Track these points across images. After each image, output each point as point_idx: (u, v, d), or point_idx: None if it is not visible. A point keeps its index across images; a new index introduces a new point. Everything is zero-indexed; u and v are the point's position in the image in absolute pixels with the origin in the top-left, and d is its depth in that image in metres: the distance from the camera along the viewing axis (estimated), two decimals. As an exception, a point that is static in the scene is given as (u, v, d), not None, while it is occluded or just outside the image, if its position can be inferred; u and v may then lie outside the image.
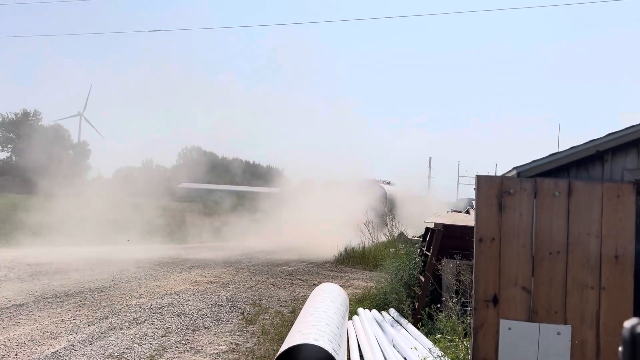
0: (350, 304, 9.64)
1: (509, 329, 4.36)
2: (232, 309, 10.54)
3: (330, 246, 24.23)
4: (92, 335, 8.04)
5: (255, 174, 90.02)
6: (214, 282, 13.89)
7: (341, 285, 12.86)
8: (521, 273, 4.41)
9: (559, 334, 4.29)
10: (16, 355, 6.92)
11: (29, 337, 7.75)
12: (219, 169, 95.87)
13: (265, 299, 11.82)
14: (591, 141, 4.66)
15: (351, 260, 20.31)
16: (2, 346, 7.25)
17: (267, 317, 9.87)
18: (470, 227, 8.62)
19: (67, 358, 6.89)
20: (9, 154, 69.57)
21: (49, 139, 66.38)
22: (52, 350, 7.16)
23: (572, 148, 4.68)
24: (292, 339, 5.51)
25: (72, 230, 25.70)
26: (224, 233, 34.74)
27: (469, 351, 5.14)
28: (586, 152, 4.66)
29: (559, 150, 4.87)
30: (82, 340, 7.70)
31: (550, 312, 4.34)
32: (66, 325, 8.58)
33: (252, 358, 7.24)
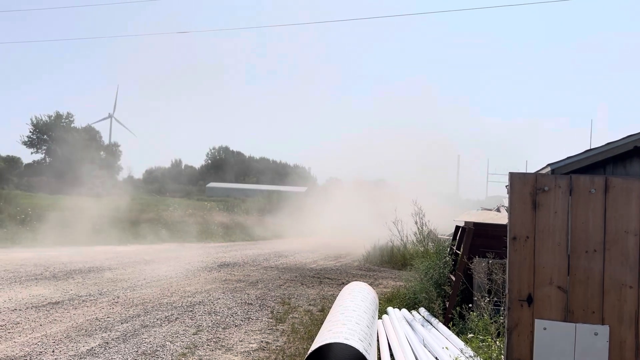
0: (379, 303, 9.60)
1: (544, 329, 4.28)
2: (261, 307, 10.60)
3: (358, 245, 24.18)
4: (125, 332, 8.18)
5: (282, 173, 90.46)
6: (243, 281, 14.00)
7: (370, 284, 12.81)
8: (556, 272, 4.32)
9: (596, 334, 4.19)
10: (53, 352, 7.08)
11: (65, 335, 7.92)
12: (246, 168, 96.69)
13: (294, 297, 11.86)
14: (628, 136, 4.54)
15: (379, 259, 20.24)
16: (39, 343, 7.43)
17: (297, 316, 9.89)
18: (502, 226, 8.51)
19: (101, 355, 7.02)
20: (42, 155, 71.30)
21: (81, 140, 67.92)
22: (87, 348, 7.30)
23: (608, 144, 4.56)
24: (322, 338, 5.50)
25: (104, 229, 26.21)
26: (251, 232, 34.99)
27: (503, 351, 5.06)
28: (623, 147, 4.54)
29: (594, 147, 4.76)
30: (116, 338, 7.84)
31: (587, 312, 4.24)
32: (100, 323, 8.75)
33: (282, 356, 7.27)
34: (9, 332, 7.92)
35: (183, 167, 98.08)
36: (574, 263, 4.29)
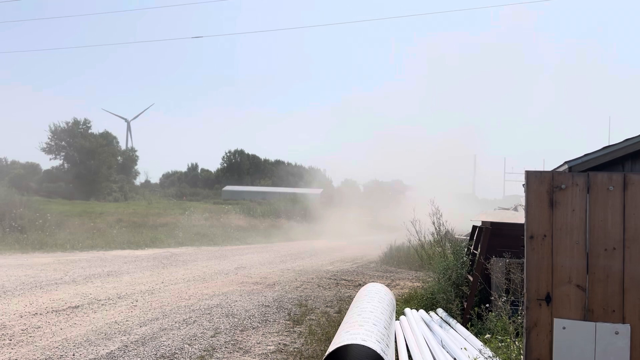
0: (396, 304, 9.56)
1: (564, 328, 4.23)
2: (278, 309, 10.62)
3: (374, 246, 24.14)
4: (144, 336, 8.24)
5: (298, 175, 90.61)
6: (260, 283, 14.04)
7: (387, 285, 12.77)
8: (575, 270, 4.26)
9: (617, 333, 4.13)
10: (73, 355, 7.16)
11: (84, 338, 8.01)
12: (262, 171, 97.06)
13: (311, 299, 11.86)
14: (647, 132, 4.48)
15: (396, 260, 20.18)
16: (60, 347, 7.52)
17: (314, 318, 9.89)
18: (519, 225, 8.42)
19: (121, 358, 7.08)
20: (61, 162, 72.18)
21: (99, 146, 68.72)
22: (107, 351, 7.37)
23: (626, 140, 4.51)
24: (339, 339, 5.50)
25: (122, 234, 26.48)
26: (268, 234, 35.10)
27: (522, 351, 5.02)
28: (642, 144, 4.48)
29: (612, 144, 4.70)
30: (135, 341, 7.91)
31: (607, 311, 4.18)
32: (119, 326, 8.82)
33: (300, 358, 7.27)
34: (30, 336, 8.03)
35: (199, 171, 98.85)
36: (593, 261, 4.23)
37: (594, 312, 4.21)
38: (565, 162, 4.58)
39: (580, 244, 4.27)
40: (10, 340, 7.80)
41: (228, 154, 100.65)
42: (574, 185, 4.28)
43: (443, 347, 7.10)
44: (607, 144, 4.84)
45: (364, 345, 5.15)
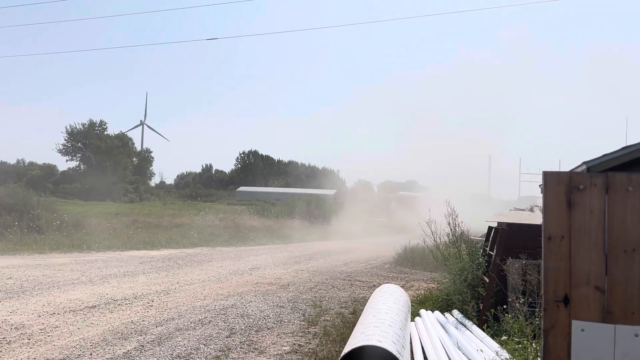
0: (411, 305, 9.53)
1: (582, 330, 4.18)
2: (293, 310, 10.63)
3: (388, 247, 24.08)
4: (160, 336, 8.30)
5: (311, 176, 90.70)
6: (275, 284, 14.06)
7: (401, 287, 12.73)
8: (594, 272, 4.22)
9: (637, 335, 4.07)
10: (91, 355, 7.23)
11: (101, 338, 8.08)
12: (275, 172, 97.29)
13: (325, 300, 11.86)
14: (667, 132, 4.42)
15: (410, 261, 20.10)
16: (77, 346, 7.60)
17: (328, 318, 9.89)
18: (535, 226, 8.35)
19: (137, 358, 7.14)
20: (77, 163, 72.93)
21: (115, 147, 69.38)
22: (123, 351, 7.43)
23: (645, 140, 4.44)
24: (355, 341, 5.49)
25: (137, 234, 26.69)
26: (282, 235, 35.17)
27: (539, 353, 4.97)
28: (662, 144, 4.42)
29: (632, 144, 4.65)
30: (151, 341, 7.96)
31: (627, 313, 4.13)
32: (135, 326, 8.89)
33: (315, 359, 7.27)
34: (48, 336, 8.13)
35: (214, 172, 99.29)
36: (612, 263, 4.18)
37: (614, 314, 4.15)
38: (584, 163, 4.54)
39: (598, 245, 4.22)
40: (29, 339, 7.90)
41: (242, 155, 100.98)
42: (592, 185, 4.23)
43: (459, 348, 7.06)
44: (625, 144, 4.79)
45: (379, 347, 5.14)
